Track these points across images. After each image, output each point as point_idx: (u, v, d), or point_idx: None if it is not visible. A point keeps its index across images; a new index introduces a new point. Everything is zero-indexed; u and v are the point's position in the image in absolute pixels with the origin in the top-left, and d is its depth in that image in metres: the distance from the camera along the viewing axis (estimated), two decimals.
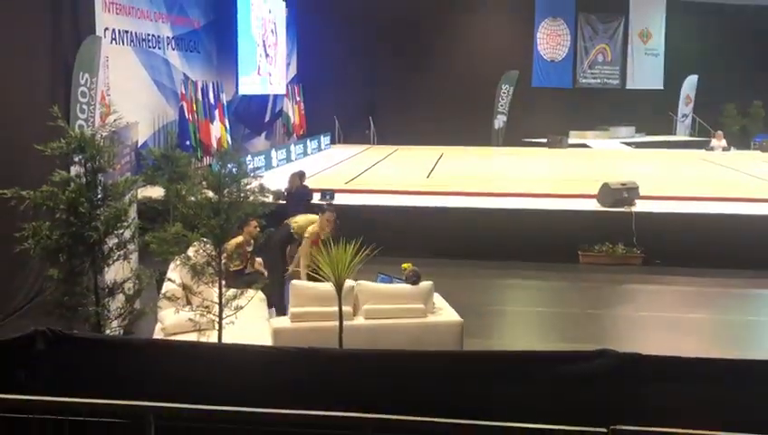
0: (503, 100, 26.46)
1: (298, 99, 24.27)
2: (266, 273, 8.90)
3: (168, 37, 17.03)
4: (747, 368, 4.37)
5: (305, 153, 21.52)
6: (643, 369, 4.23)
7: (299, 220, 9.35)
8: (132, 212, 7.40)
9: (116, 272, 6.94)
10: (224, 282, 6.56)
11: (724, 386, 4.19)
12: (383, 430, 3.33)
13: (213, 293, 6.47)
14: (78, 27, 11.01)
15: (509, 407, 3.93)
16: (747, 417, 3.97)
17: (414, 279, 7.97)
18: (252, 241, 8.25)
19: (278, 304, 8.82)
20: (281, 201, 12.24)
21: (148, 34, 15.93)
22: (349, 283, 7.03)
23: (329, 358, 4.49)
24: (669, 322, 9.88)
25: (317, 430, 3.50)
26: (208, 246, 6.39)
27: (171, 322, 7.15)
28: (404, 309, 7.67)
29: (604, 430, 3.19)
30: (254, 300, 7.43)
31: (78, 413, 3.45)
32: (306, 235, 8.86)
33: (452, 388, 4.28)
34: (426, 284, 7.89)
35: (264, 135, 23.47)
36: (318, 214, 9.22)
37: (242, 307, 6.50)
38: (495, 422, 3.32)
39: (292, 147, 20.92)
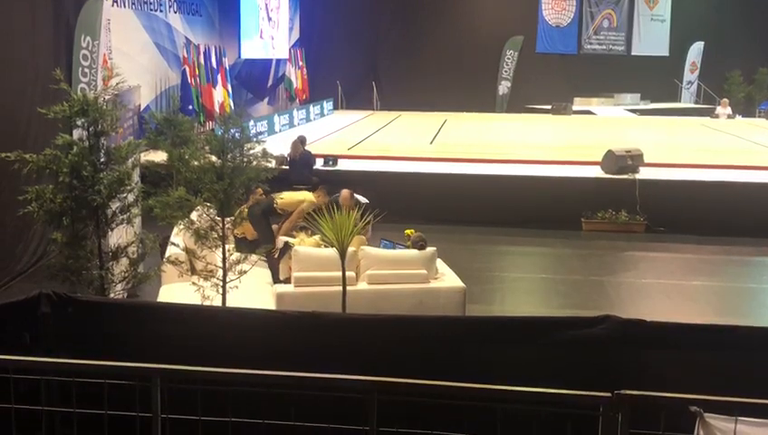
0: (507, 65, 26.27)
1: (300, 63, 24.08)
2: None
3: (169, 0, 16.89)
4: (749, 334, 4.38)
5: (308, 119, 21.39)
6: (646, 334, 4.25)
7: (285, 196, 9.14)
8: (135, 176, 7.38)
9: (119, 236, 6.95)
10: (232, 246, 6.57)
11: (727, 352, 4.21)
12: (388, 392, 3.34)
13: (216, 257, 6.48)
14: None
15: (512, 372, 3.94)
16: (749, 382, 3.98)
17: (420, 244, 7.98)
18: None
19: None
20: (284, 167, 12.25)
21: None
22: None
23: (332, 322, 4.51)
24: (672, 288, 9.90)
25: (322, 393, 3.52)
26: (212, 210, 6.40)
27: None
28: (407, 275, 7.66)
29: (608, 394, 3.20)
30: (259, 264, 7.44)
31: (85, 375, 3.47)
32: (297, 213, 8.79)
33: (455, 353, 4.30)
34: (429, 249, 7.89)
35: (266, 100, 23.35)
36: (303, 190, 9.10)
37: (245, 271, 6.52)
38: (499, 386, 3.33)
39: (295, 112, 20.80)
